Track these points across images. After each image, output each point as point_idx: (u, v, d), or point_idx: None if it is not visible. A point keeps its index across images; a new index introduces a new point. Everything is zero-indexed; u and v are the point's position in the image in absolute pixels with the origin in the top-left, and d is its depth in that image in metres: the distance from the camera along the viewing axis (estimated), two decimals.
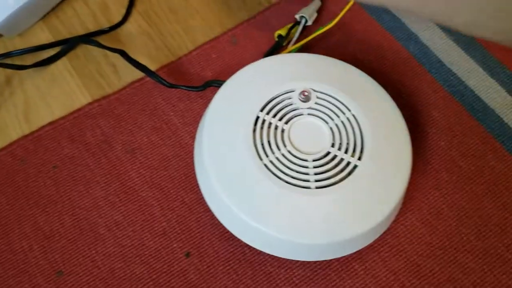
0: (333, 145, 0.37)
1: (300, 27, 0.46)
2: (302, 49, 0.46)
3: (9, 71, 0.47)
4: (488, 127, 0.42)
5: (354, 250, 0.36)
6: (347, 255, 0.37)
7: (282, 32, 0.46)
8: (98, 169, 0.42)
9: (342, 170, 0.36)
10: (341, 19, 0.46)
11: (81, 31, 0.49)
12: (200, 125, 0.40)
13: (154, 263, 0.38)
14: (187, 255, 0.38)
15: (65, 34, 0.49)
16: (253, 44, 0.48)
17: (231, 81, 0.39)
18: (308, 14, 0.46)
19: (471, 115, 0.42)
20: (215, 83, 0.43)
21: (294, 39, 0.46)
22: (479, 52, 0.45)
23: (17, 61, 0.47)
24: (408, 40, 0.46)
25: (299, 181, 0.35)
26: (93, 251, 0.39)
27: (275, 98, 0.38)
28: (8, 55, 0.47)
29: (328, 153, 0.36)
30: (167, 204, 0.40)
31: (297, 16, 0.47)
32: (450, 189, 0.40)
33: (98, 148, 0.43)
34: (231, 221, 0.36)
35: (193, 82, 0.45)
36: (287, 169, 0.36)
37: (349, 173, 0.36)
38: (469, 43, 0.45)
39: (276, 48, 0.45)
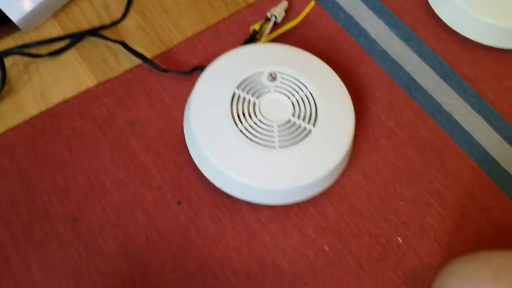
0: (293, 115, 0.47)
1: (270, 24, 0.57)
2: (272, 42, 0.57)
3: (27, 59, 0.57)
4: (421, 104, 0.53)
5: (310, 196, 0.47)
6: (304, 200, 0.48)
7: (256, 27, 0.57)
8: (105, 139, 0.52)
9: (300, 134, 0.47)
10: (304, 17, 0.57)
11: (86, 26, 0.60)
12: (188, 101, 0.50)
13: (152, 210, 0.49)
14: (179, 203, 0.49)
15: (73, 28, 0.60)
16: (232, 37, 0.58)
17: (212, 65, 0.50)
18: (277, 12, 0.57)
19: (407, 94, 0.54)
20: (200, 68, 0.53)
21: (266, 33, 0.57)
22: (416, 43, 0.56)
23: (33, 51, 0.57)
24: (359, 35, 0.57)
25: (266, 142, 0.46)
26: (102, 202, 0.49)
27: (248, 78, 0.49)
28: (26, 46, 0.57)
29: (290, 120, 0.47)
30: (162, 165, 0.51)
31: (268, 14, 0.58)
32: (387, 152, 0.51)
33: (103, 122, 0.53)
34: (214, 175, 0.47)
35: (182, 68, 0.56)
36: (257, 133, 0.46)
37: (305, 136, 0.47)
38: (408, 36, 0.57)
39: (251, 41, 0.56)
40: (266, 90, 0.49)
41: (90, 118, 0.53)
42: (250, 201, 0.47)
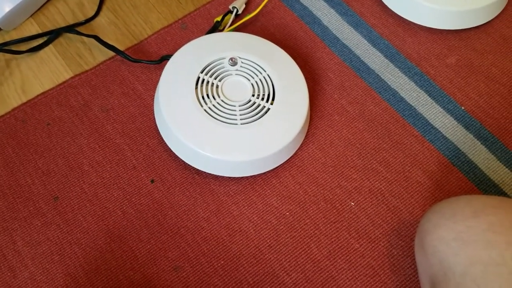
0: (253, 95, 0.50)
1: (232, 15, 0.59)
2: (234, 31, 0.59)
3: (8, 56, 0.58)
4: (369, 83, 0.56)
5: (270, 168, 0.49)
6: (267, 173, 0.50)
7: (219, 18, 0.59)
8: (81, 125, 0.54)
9: (259, 112, 0.49)
10: (263, 8, 0.59)
11: (62, 24, 0.61)
12: (157, 86, 0.52)
13: (127, 188, 0.50)
14: (152, 181, 0.51)
15: (50, 27, 0.61)
16: (198, 29, 0.60)
17: (178, 52, 0.52)
18: (238, 5, 0.59)
19: (357, 75, 0.56)
20: (168, 57, 0.55)
21: (229, 24, 0.59)
22: (365, 29, 0.59)
23: (14, 48, 0.58)
24: (313, 23, 0.60)
25: (229, 119, 0.48)
26: (81, 182, 0.50)
27: (211, 63, 0.51)
28: (6, 44, 0.58)
29: (250, 100, 0.49)
30: (135, 147, 0.52)
31: (230, 7, 0.60)
32: (340, 127, 0.53)
33: (80, 110, 0.55)
34: (183, 152, 0.49)
35: (152, 58, 0.58)
36: (221, 112, 0.48)
37: (265, 113, 0.49)
38: (357, 23, 0.59)
39: (213, 30, 0.58)
40: (228, 74, 0.51)
41: (67, 107, 0.55)
42: (217, 175, 0.49)
